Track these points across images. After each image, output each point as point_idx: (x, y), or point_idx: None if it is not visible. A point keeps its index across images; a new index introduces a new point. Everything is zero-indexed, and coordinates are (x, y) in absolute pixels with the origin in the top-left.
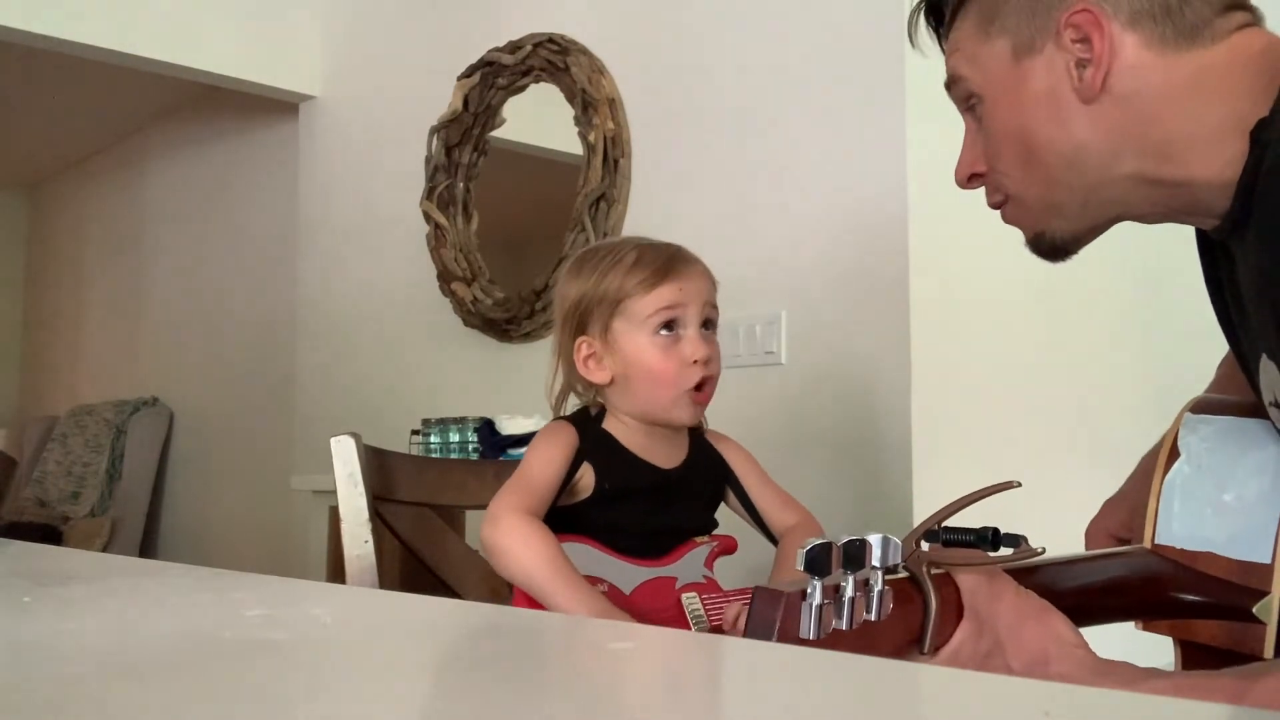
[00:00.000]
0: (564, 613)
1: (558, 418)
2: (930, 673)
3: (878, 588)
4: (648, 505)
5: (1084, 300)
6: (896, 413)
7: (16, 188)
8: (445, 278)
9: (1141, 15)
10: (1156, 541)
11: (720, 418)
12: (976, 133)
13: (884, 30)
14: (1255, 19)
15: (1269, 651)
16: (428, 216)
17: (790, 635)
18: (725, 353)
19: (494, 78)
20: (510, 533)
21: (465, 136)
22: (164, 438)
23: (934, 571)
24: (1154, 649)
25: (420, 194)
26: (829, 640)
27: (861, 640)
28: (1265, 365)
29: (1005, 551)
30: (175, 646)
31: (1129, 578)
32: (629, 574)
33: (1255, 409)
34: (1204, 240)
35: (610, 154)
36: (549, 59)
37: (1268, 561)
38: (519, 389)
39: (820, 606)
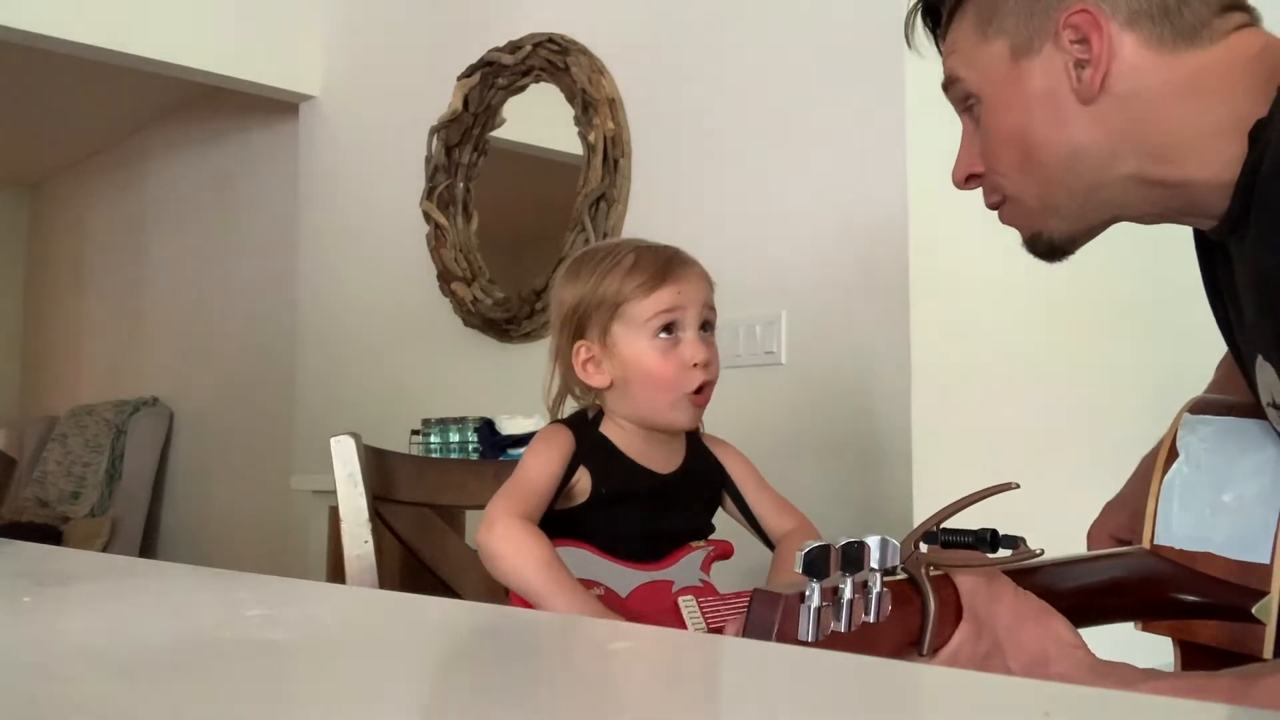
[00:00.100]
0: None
1: (554, 421)
2: (930, 673)
3: (876, 589)
4: (644, 510)
5: (1084, 301)
6: (896, 413)
7: (16, 188)
8: (445, 278)
9: (1140, 15)
10: (1155, 542)
11: (720, 418)
12: (974, 133)
13: (884, 30)
14: (1253, 19)
15: (1268, 652)
16: (428, 216)
17: (789, 638)
18: (725, 353)
19: (494, 78)
20: (505, 537)
21: (465, 136)
22: (164, 438)
23: (933, 573)
24: (1154, 649)
25: (420, 194)
26: (827, 642)
27: (860, 642)
28: (1262, 366)
29: (1004, 553)
30: (175, 646)
31: (1128, 578)
32: (625, 578)
33: (1254, 410)
34: (1202, 241)
35: (610, 154)
36: (549, 59)
37: (1266, 562)
38: (519, 389)
39: (818, 609)
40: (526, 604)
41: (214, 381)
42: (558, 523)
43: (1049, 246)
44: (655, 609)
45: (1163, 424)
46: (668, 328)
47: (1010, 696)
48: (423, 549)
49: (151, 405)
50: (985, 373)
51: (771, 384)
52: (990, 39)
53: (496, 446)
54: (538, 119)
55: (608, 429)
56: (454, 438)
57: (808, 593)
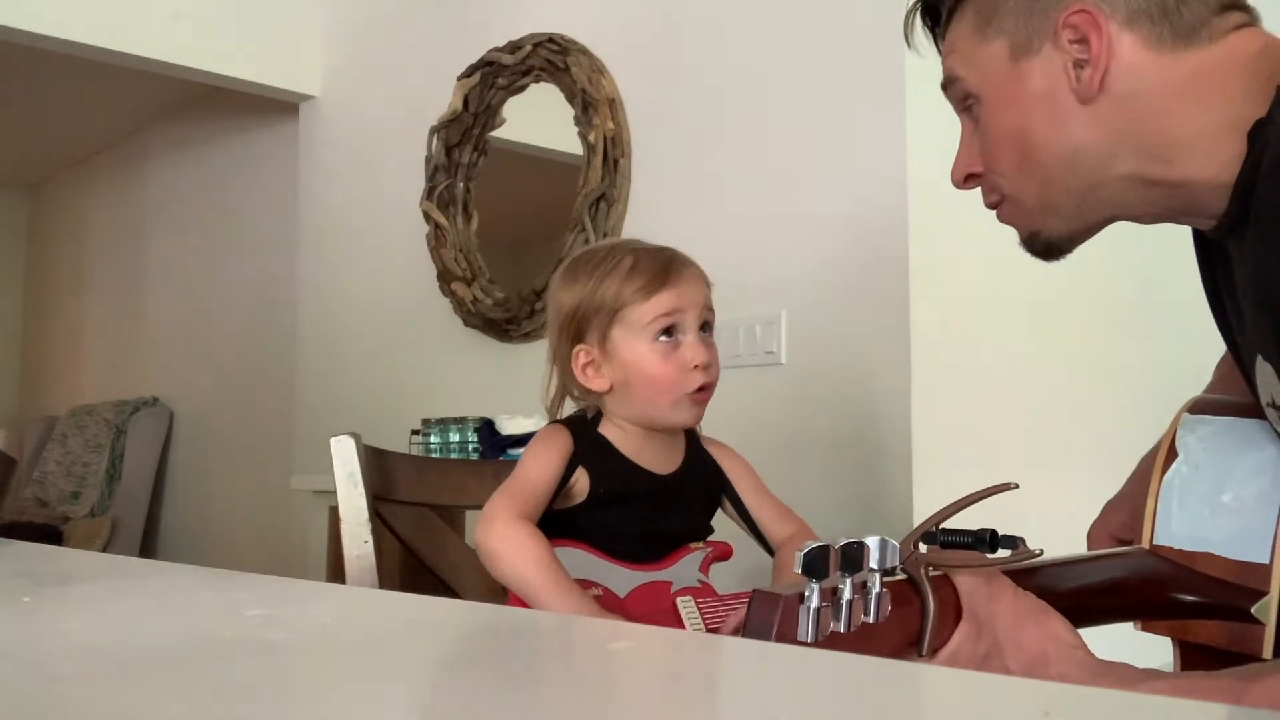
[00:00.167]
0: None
1: (553, 421)
2: (930, 673)
3: (875, 590)
4: (643, 511)
5: (1084, 301)
6: (896, 413)
7: (16, 188)
8: (445, 278)
9: (1139, 15)
10: (1155, 542)
11: (719, 418)
12: (973, 133)
13: (884, 29)
14: (1252, 19)
15: (1268, 652)
16: (428, 216)
17: (788, 638)
18: (725, 353)
19: (494, 78)
20: (504, 537)
21: (465, 136)
22: (164, 438)
23: (932, 573)
24: (1153, 649)
25: (420, 194)
26: (827, 643)
27: (859, 642)
28: (1261, 366)
29: (1003, 553)
30: (175, 646)
31: (1128, 578)
32: (623, 578)
33: (1253, 409)
34: (1201, 241)
35: (610, 154)
36: (549, 59)
37: (1266, 562)
38: (519, 389)
39: (818, 609)
40: (525, 604)
41: (214, 381)
42: (556, 522)
43: (1046, 245)
44: (653, 609)
45: (1162, 424)
46: (668, 330)
47: (1010, 696)
48: (423, 549)
49: (151, 405)
50: (985, 373)
51: (771, 384)
52: (989, 39)
53: (496, 446)
54: (538, 119)
55: (606, 430)
56: (454, 438)
57: (807, 593)
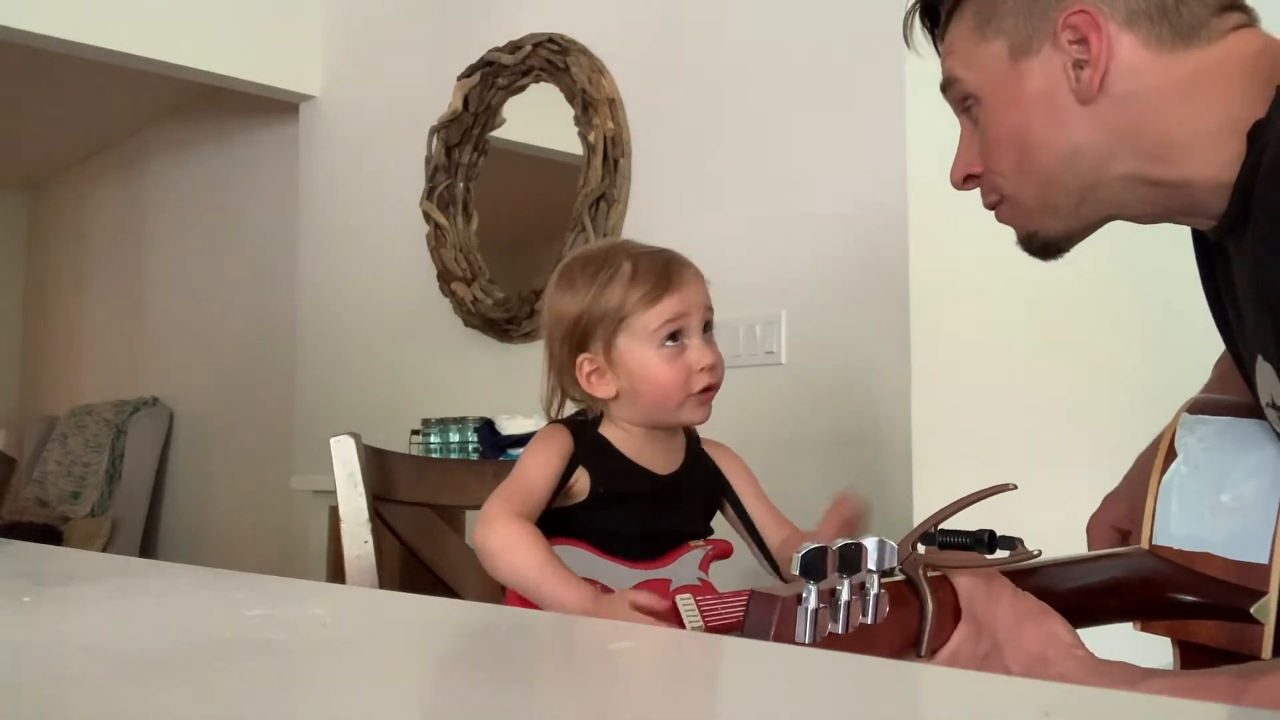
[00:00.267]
0: (555, 608)
1: (553, 421)
2: (930, 673)
3: (873, 591)
4: (643, 510)
5: (1084, 301)
6: (896, 413)
7: (16, 188)
8: (445, 278)
9: (1139, 15)
10: (1154, 542)
11: (720, 418)
12: (972, 134)
13: (884, 29)
14: (1251, 19)
15: (1267, 652)
16: (428, 216)
17: (785, 640)
18: (725, 353)
19: (494, 78)
20: (501, 536)
21: (465, 136)
22: (164, 438)
23: (930, 574)
24: (1153, 650)
25: (420, 194)
26: (825, 644)
27: (858, 643)
28: (1261, 367)
29: (1001, 554)
30: (175, 646)
31: (1127, 579)
32: (622, 577)
33: (1252, 409)
34: (1200, 241)
35: (610, 154)
36: (549, 59)
37: (1265, 562)
38: (519, 389)
39: (815, 611)
40: (524, 603)
41: (214, 381)
42: (555, 522)
43: (1044, 245)
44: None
45: (1162, 424)
46: (673, 335)
47: (1010, 696)
48: (423, 549)
49: (151, 405)
50: (985, 373)
51: (771, 384)
52: (989, 39)
53: (496, 446)
54: (538, 119)
55: (607, 430)
56: (454, 438)
57: (804, 594)
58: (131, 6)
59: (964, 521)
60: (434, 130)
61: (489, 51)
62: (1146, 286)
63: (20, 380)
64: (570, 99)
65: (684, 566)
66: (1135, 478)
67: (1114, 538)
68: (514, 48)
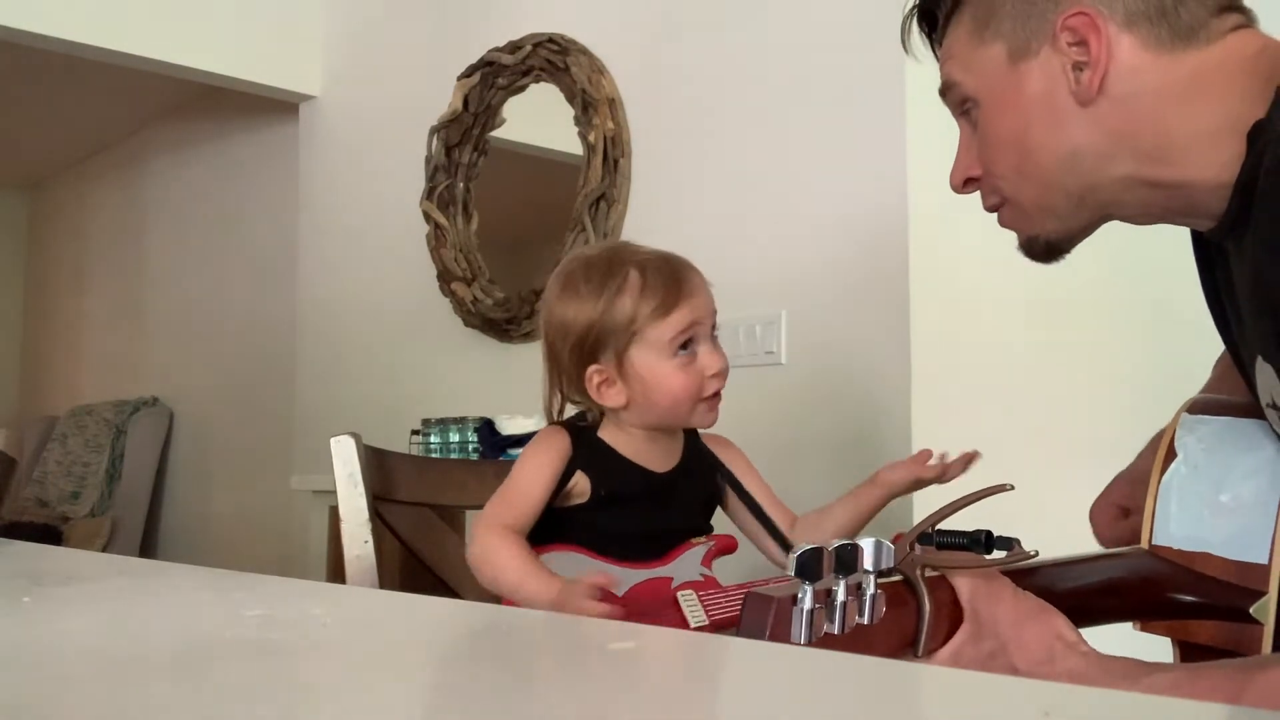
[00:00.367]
0: (531, 604)
1: (552, 423)
2: (930, 673)
3: (870, 591)
4: (642, 509)
5: (1084, 300)
6: (896, 413)
7: (16, 188)
8: (445, 278)
9: (1137, 16)
10: (1154, 542)
11: (720, 418)
12: (971, 137)
13: (884, 29)
14: (1249, 20)
15: (1266, 652)
16: (428, 216)
17: (781, 641)
18: (725, 353)
19: (494, 78)
20: (480, 547)
21: (465, 136)
22: (164, 438)
23: (928, 574)
24: (1152, 650)
25: (420, 194)
26: (822, 644)
27: (855, 644)
28: (1261, 367)
29: (999, 554)
30: (175, 646)
31: (1126, 579)
32: (623, 578)
33: (1252, 409)
34: (1199, 242)
35: (610, 154)
36: (549, 59)
37: (1264, 562)
38: (519, 389)
39: (811, 611)
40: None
41: (214, 381)
42: (555, 524)
43: (1046, 247)
44: (655, 605)
45: (1161, 424)
46: (684, 344)
47: (1010, 696)
48: (423, 549)
49: (151, 405)
50: (985, 373)
51: (771, 384)
52: (987, 42)
53: (496, 446)
54: (538, 119)
55: (607, 432)
56: (454, 438)
57: (800, 595)
58: (131, 6)
59: (964, 522)
60: (434, 130)
61: (489, 51)
62: (1146, 287)
63: (20, 380)
64: (570, 99)
65: (685, 564)
66: (1138, 463)
67: (1118, 516)
68: (514, 48)
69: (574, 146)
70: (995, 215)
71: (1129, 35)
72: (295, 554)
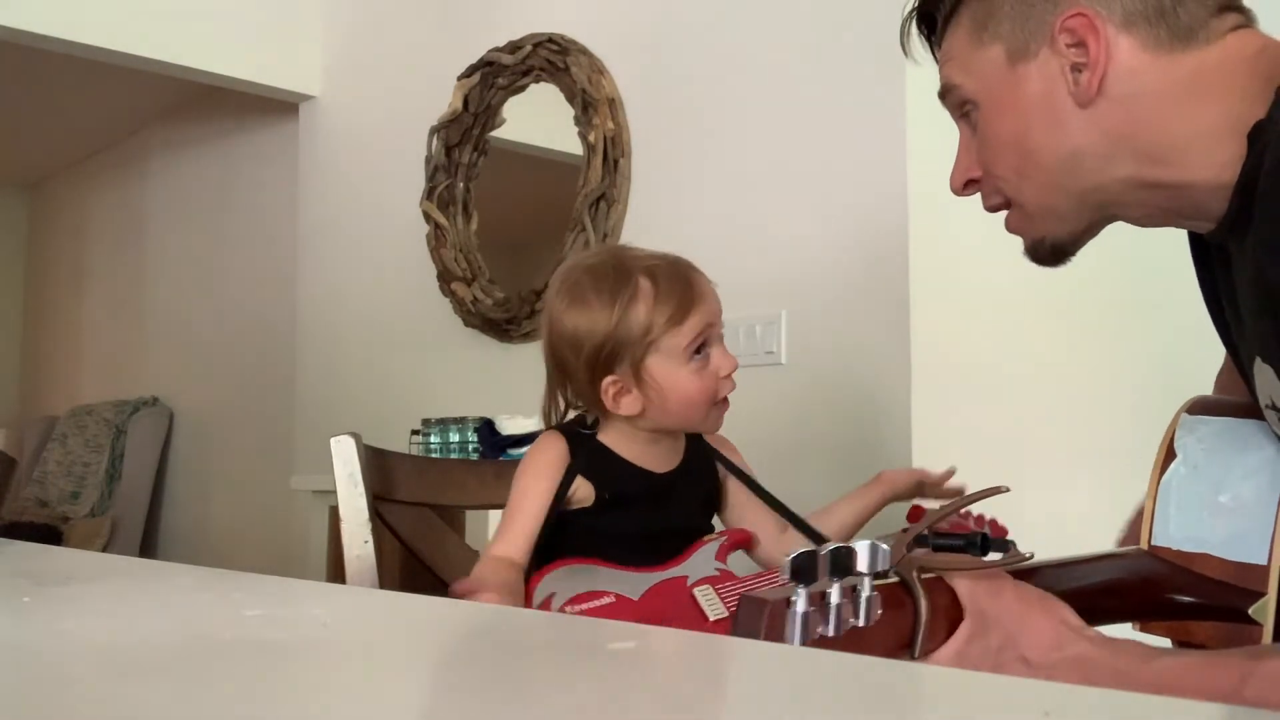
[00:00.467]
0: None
1: (550, 428)
2: (930, 673)
3: (865, 594)
4: (643, 510)
5: (1084, 301)
6: (896, 413)
7: (16, 188)
8: (445, 278)
9: (1136, 17)
10: (1153, 543)
11: None
12: (971, 139)
13: (884, 29)
14: (1249, 20)
15: None
16: (428, 216)
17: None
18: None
19: (494, 78)
20: (477, 573)
21: (465, 136)
22: (164, 438)
23: (924, 576)
24: None
25: (420, 194)
26: (817, 647)
27: (850, 646)
28: (1261, 368)
29: (994, 556)
30: (175, 646)
31: (1126, 579)
32: (636, 582)
33: (1252, 410)
34: (1198, 244)
35: (610, 154)
36: (549, 59)
37: (1264, 563)
38: (519, 389)
39: (805, 614)
40: (524, 603)
41: (214, 381)
42: (562, 531)
43: (1052, 249)
44: (671, 604)
45: (1162, 424)
46: (699, 349)
47: (1010, 696)
48: (423, 549)
49: (151, 405)
50: (986, 373)
51: (771, 384)
52: (986, 44)
53: (496, 446)
54: (538, 119)
55: (607, 435)
56: (454, 438)
57: (794, 598)
58: (131, 6)
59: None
60: (434, 130)
61: (489, 51)
62: (1146, 287)
63: (20, 380)
64: (570, 99)
65: (699, 561)
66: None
67: None
68: (514, 48)
69: (574, 146)
70: (996, 216)
71: (1127, 36)
72: (295, 554)
